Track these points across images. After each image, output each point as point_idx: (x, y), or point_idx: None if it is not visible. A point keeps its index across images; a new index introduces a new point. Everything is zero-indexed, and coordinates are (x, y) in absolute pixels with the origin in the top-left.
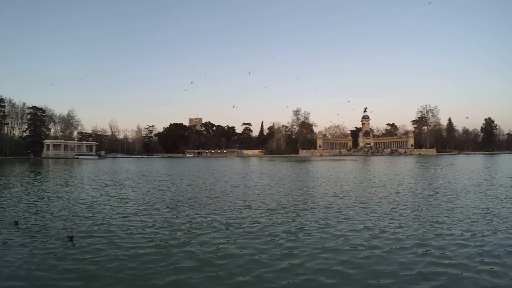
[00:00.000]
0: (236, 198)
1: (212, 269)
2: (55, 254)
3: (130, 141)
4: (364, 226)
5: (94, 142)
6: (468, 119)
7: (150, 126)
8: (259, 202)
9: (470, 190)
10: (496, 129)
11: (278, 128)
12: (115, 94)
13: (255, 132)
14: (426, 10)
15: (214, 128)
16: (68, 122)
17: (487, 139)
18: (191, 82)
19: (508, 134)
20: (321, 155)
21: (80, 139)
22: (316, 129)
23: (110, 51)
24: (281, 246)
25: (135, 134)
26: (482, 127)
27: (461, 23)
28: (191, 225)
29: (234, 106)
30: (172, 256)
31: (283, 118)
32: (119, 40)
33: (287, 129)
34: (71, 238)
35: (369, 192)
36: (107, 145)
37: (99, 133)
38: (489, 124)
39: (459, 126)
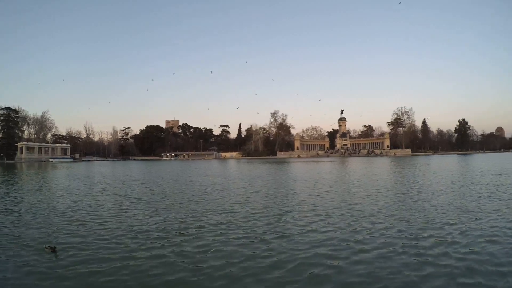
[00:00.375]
0: (217, 202)
1: (199, 279)
2: (37, 267)
3: (105, 143)
4: (351, 228)
5: (69, 145)
6: (443, 121)
7: (126, 128)
8: (241, 206)
9: (450, 189)
10: (469, 130)
11: (256, 130)
12: (91, 95)
13: (233, 134)
14: (401, 10)
15: (191, 130)
16: (42, 124)
17: (461, 140)
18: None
19: (482, 134)
20: (298, 156)
21: (54, 142)
22: (293, 131)
23: (88, 53)
24: (268, 252)
25: (111, 136)
26: (456, 128)
27: (438, 24)
28: (173, 232)
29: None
30: (157, 267)
31: (261, 120)
32: (96, 42)
33: (265, 131)
34: (53, 249)
35: (351, 193)
36: (82, 147)
37: (73, 135)
38: (463, 125)
39: (433, 127)
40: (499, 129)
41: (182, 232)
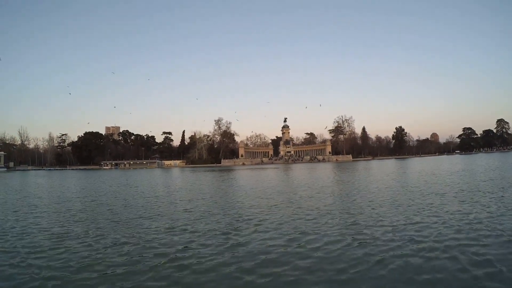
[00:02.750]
0: (170, 217)
1: None
2: None
3: (41, 151)
4: (302, 235)
5: (3, 153)
6: (381, 127)
7: (63, 135)
8: (197, 222)
9: (392, 189)
10: (406, 136)
11: (200, 137)
12: (25, 97)
13: (176, 142)
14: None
15: (132, 137)
16: None
17: (398, 145)
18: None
19: (417, 140)
20: (243, 164)
21: None
22: (238, 139)
23: (23, 55)
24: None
25: (47, 143)
26: (393, 135)
27: (377, 33)
28: (127, 260)
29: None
30: None
31: (205, 127)
32: (33, 44)
33: (209, 139)
34: None
35: (302, 199)
36: (16, 156)
37: (7, 142)
38: (400, 132)
39: (372, 134)
40: (434, 135)
41: (135, 258)
